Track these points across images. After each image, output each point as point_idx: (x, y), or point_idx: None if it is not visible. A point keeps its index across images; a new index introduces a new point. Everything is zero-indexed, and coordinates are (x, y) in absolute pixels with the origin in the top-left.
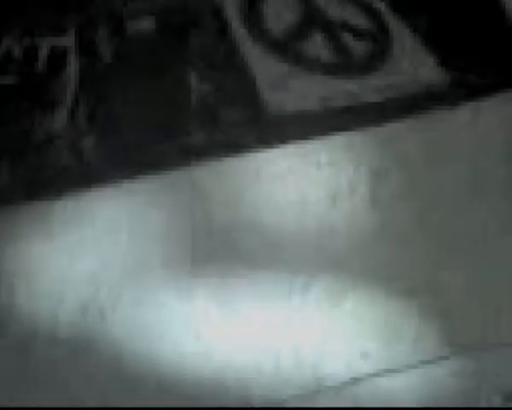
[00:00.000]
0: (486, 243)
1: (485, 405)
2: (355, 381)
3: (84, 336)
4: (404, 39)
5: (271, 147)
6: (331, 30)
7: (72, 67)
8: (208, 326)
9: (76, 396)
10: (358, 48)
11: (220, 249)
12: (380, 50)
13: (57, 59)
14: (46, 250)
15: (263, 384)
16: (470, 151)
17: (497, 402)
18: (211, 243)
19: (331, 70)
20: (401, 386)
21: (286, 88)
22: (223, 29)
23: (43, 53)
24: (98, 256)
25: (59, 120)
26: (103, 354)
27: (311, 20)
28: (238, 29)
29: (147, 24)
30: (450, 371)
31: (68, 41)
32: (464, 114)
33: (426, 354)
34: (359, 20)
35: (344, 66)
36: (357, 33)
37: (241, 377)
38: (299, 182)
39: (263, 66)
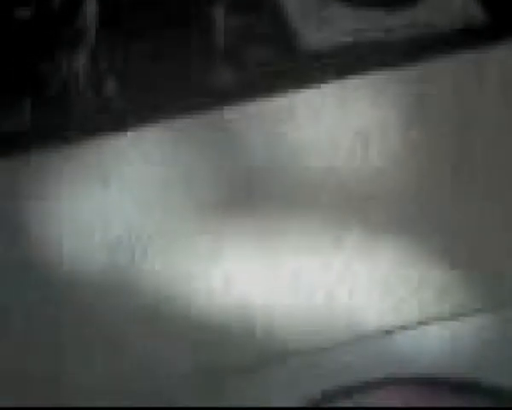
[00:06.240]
0: None
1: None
2: (385, 333)
3: (114, 277)
4: None
5: (304, 85)
6: None
7: (94, 1)
8: (239, 271)
9: (110, 334)
10: None
11: (253, 193)
12: None
13: None
14: (73, 193)
15: (293, 332)
16: (504, 94)
17: None
18: (244, 186)
19: (365, 3)
20: (427, 339)
21: (318, 23)
22: None
23: None
24: (126, 199)
25: (79, 59)
26: (135, 295)
27: None
28: None
29: None
30: (478, 326)
31: None
32: (502, 53)
33: (454, 308)
34: None
35: None
36: None
37: (270, 322)
38: (332, 122)
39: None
